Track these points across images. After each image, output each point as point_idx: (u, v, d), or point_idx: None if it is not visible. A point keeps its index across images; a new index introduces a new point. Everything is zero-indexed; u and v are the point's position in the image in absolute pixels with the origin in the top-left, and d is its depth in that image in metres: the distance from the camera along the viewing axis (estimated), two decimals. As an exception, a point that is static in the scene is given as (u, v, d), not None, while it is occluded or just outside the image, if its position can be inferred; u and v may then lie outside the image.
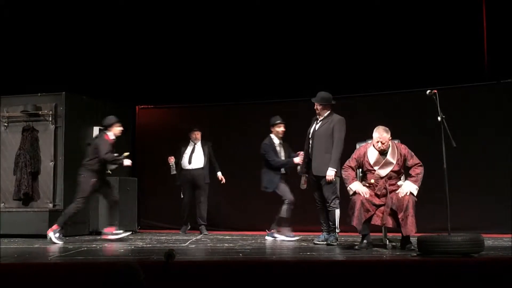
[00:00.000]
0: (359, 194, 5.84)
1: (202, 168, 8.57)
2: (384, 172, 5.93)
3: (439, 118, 5.53)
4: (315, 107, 6.71)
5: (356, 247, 5.86)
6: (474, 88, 8.42)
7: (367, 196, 5.83)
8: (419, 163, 5.91)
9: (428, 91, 5.63)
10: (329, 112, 6.68)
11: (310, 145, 6.70)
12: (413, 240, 5.68)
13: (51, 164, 8.27)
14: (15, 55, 9.24)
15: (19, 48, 9.36)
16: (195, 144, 8.68)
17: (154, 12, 9.68)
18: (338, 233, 6.65)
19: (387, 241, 6.10)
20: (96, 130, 8.74)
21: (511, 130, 7.96)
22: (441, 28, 8.59)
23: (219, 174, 8.61)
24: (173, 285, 4.04)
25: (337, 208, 6.57)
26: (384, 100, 8.94)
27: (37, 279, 4.20)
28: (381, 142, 5.94)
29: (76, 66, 9.45)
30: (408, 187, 5.78)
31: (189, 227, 8.82)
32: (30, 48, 9.42)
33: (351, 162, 6.09)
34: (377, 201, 5.85)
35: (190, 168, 8.59)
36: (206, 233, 8.40)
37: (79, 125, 8.60)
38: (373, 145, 6.02)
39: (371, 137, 6.25)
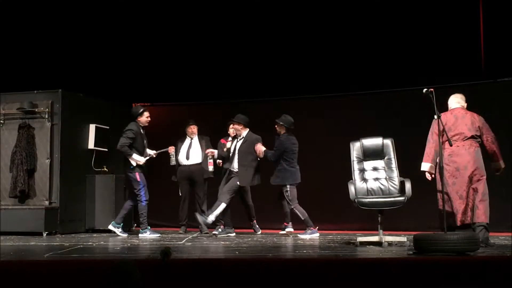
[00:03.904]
0: None
1: (200, 163, 8.45)
2: None
3: (435, 117, 5.55)
4: (233, 126, 8.07)
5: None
6: (471, 87, 8.42)
7: None
8: None
9: (425, 90, 5.64)
10: (247, 131, 7.96)
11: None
12: (410, 238, 5.69)
13: (47, 161, 8.25)
14: (11, 52, 9.22)
15: (16, 46, 9.34)
16: (191, 139, 8.56)
17: (151, 10, 9.68)
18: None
19: (383, 239, 6.10)
20: (92, 128, 8.74)
21: (508, 129, 7.97)
22: (438, 26, 8.60)
23: (211, 150, 8.43)
24: (169, 283, 4.03)
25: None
26: (380, 99, 8.95)
27: (33, 276, 4.19)
28: None
29: (72, 63, 9.44)
30: None
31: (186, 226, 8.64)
32: (27, 45, 9.41)
33: None
34: None
35: (188, 163, 8.46)
36: (206, 231, 8.25)
37: (75, 123, 8.59)
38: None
39: (367, 136, 6.32)
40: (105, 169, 8.85)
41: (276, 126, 7.95)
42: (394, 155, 6.39)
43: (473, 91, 8.39)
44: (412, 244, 5.23)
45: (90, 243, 6.64)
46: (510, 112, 8.03)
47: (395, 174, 6.32)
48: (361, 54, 8.99)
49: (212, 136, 8.82)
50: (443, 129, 5.77)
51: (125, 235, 7.86)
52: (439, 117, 5.57)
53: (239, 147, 7.91)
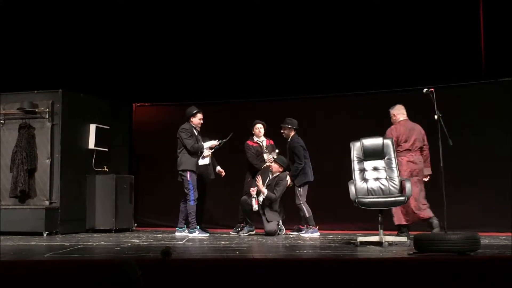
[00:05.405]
0: None
1: (208, 164, 8.28)
2: None
3: (435, 117, 5.56)
4: (273, 167, 7.91)
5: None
6: (471, 86, 8.43)
7: None
8: None
9: (425, 90, 5.66)
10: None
11: None
12: (410, 237, 5.69)
13: (48, 161, 8.25)
14: (11, 52, 9.23)
15: (16, 45, 9.35)
16: None
17: (151, 10, 9.68)
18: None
19: (384, 239, 6.10)
20: (92, 128, 8.74)
21: (508, 129, 7.98)
22: (439, 26, 8.60)
23: (218, 167, 8.41)
24: (169, 282, 4.03)
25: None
26: (380, 98, 8.94)
27: (33, 276, 4.19)
28: None
29: (73, 63, 9.45)
30: None
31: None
32: (27, 45, 9.41)
33: None
34: None
35: (199, 164, 8.15)
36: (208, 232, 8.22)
37: (75, 123, 8.59)
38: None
39: (365, 135, 6.36)
40: (105, 169, 8.85)
41: (283, 130, 8.04)
42: (394, 155, 6.39)
43: (473, 91, 8.42)
44: (412, 244, 5.23)
45: (90, 243, 6.64)
46: (511, 112, 8.03)
47: (396, 174, 6.32)
48: (361, 54, 8.99)
49: (212, 135, 8.81)
50: (398, 138, 6.71)
51: (206, 234, 7.82)
52: (439, 116, 5.57)
53: (268, 184, 7.89)
